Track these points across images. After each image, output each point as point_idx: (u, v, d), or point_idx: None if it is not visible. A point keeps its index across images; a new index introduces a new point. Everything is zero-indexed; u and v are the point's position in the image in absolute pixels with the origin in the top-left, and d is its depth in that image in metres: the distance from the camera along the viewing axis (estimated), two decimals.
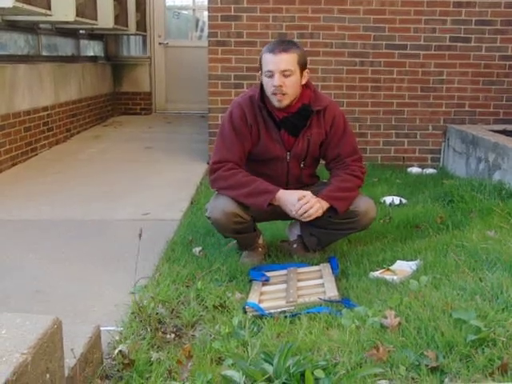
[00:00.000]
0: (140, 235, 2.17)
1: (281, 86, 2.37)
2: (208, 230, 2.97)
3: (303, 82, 2.46)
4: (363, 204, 2.53)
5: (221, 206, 2.45)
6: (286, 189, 2.56)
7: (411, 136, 4.93)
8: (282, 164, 2.58)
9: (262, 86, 2.49)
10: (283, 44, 2.42)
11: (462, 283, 2.11)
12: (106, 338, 1.88)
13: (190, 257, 2.68)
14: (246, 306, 2.14)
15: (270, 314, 2.10)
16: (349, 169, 2.54)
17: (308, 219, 2.39)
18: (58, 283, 2.46)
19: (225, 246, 2.78)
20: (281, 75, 2.36)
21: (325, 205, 2.42)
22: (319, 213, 2.39)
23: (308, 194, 2.41)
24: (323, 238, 2.68)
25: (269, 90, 2.42)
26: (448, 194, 3.53)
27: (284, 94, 2.40)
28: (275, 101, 2.43)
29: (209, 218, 2.55)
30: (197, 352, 1.83)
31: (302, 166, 2.61)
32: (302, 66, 2.42)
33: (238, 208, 2.43)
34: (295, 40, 4.65)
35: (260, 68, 2.45)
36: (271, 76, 2.38)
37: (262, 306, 2.17)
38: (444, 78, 4.82)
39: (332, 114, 2.54)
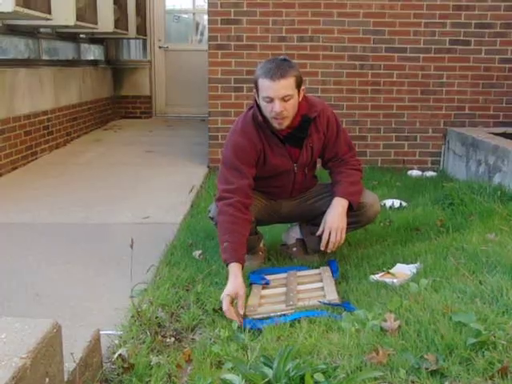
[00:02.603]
0: (131, 245, 2.18)
1: (282, 111, 2.35)
2: (208, 234, 2.97)
3: (300, 98, 2.43)
4: (369, 197, 2.61)
5: None
6: (291, 195, 2.67)
7: (411, 139, 4.93)
8: (289, 175, 2.60)
9: (257, 103, 2.45)
10: (280, 68, 2.32)
11: (462, 286, 2.11)
12: (106, 342, 1.88)
13: (190, 260, 2.68)
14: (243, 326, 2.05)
15: (267, 323, 2.05)
16: (349, 164, 2.61)
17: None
18: (58, 287, 2.46)
19: None
20: (281, 101, 2.33)
21: (345, 203, 2.48)
22: (344, 228, 2.48)
23: (330, 225, 2.47)
24: None
25: (268, 114, 2.39)
26: (448, 196, 3.53)
27: (284, 118, 2.38)
28: (276, 124, 2.41)
29: (212, 218, 2.56)
30: (196, 356, 1.83)
31: (306, 172, 2.64)
32: (299, 85, 2.39)
33: None
34: (295, 43, 4.69)
35: (256, 89, 2.40)
36: (270, 102, 2.34)
37: (262, 309, 2.17)
38: (444, 81, 4.83)
39: (326, 115, 2.56)
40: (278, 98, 2.32)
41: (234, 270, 2.25)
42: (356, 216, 2.57)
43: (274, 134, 2.48)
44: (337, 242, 2.48)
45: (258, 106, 2.45)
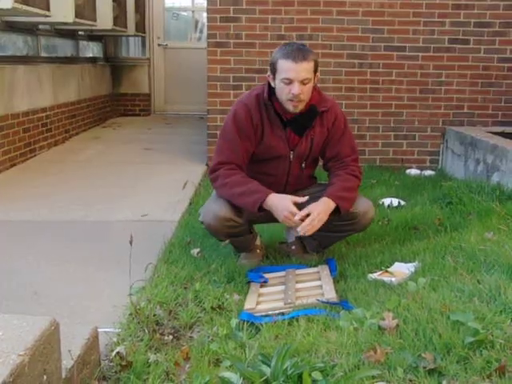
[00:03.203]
0: (131, 242, 2.17)
1: (299, 93, 2.37)
2: (206, 232, 2.96)
3: (314, 83, 2.46)
4: (362, 205, 2.55)
5: (213, 210, 2.45)
6: (284, 190, 2.59)
7: (410, 138, 4.93)
8: (284, 163, 2.58)
9: (269, 84, 2.48)
10: (302, 51, 2.37)
11: (460, 285, 2.11)
12: (104, 340, 1.88)
13: (188, 258, 2.68)
14: (239, 319, 2.07)
15: (265, 321, 2.06)
16: (349, 168, 2.56)
17: (308, 234, 2.38)
18: (56, 285, 2.46)
19: (222, 247, 2.78)
20: (300, 83, 2.36)
21: (332, 205, 2.41)
22: (322, 221, 2.37)
23: (313, 209, 2.36)
24: (323, 241, 2.68)
25: (285, 96, 2.40)
26: (446, 195, 3.54)
27: (300, 101, 2.41)
28: (290, 107, 2.42)
29: (202, 222, 2.57)
30: (194, 354, 1.83)
31: (302, 166, 2.62)
32: (316, 70, 2.43)
33: (230, 212, 2.43)
34: (294, 41, 4.68)
35: (272, 70, 2.42)
36: (289, 83, 2.36)
37: (260, 307, 2.17)
38: (443, 79, 4.83)
39: (334, 112, 2.56)
40: (298, 81, 2.35)
41: (274, 194, 2.36)
42: (351, 224, 2.55)
43: (277, 114, 2.49)
44: (311, 226, 2.33)
45: (270, 89, 2.47)
